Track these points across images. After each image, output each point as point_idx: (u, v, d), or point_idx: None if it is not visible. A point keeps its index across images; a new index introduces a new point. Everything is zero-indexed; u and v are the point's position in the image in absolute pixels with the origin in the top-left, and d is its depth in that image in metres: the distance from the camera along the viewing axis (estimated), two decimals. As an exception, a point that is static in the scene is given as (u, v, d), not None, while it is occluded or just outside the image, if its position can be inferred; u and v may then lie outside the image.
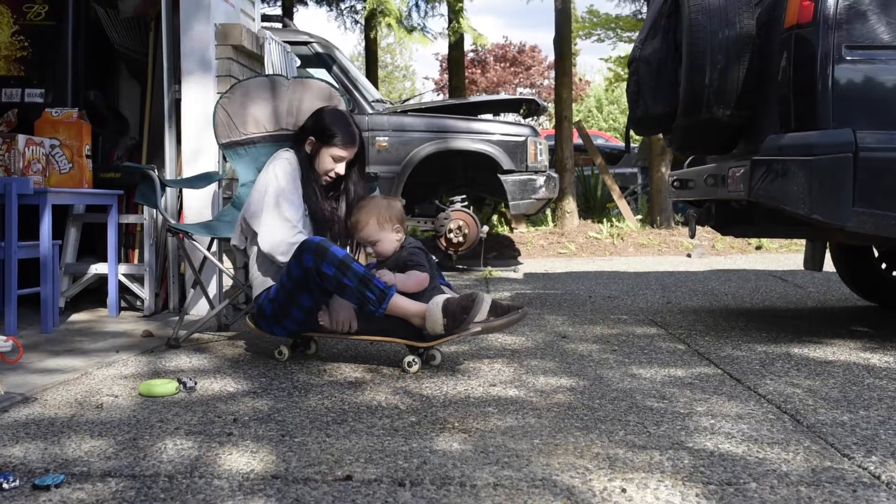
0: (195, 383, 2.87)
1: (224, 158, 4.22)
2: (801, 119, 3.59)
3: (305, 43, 7.34)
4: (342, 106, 4.14)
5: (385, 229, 3.36)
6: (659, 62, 4.21)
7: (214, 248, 3.97)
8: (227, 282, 4.28)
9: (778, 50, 3.71)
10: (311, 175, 3.42)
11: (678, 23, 4.06)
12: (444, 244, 7.56)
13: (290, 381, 3.02)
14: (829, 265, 5.17)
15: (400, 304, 3.12)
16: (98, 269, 4.65)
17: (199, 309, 4.38)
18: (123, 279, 4.64)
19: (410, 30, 11.70)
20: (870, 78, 3.57)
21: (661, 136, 5.09)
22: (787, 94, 3.65)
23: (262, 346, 3.71)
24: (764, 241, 9.70)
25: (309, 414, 2.55)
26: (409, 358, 3.21)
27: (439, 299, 3.12)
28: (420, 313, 3.11)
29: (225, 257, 4.35)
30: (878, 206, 3.47)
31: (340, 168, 3.43)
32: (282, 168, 3.36)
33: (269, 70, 4.82)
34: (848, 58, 3.50)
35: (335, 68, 7.39)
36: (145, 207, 4.57)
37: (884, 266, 5.09)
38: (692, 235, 4.92)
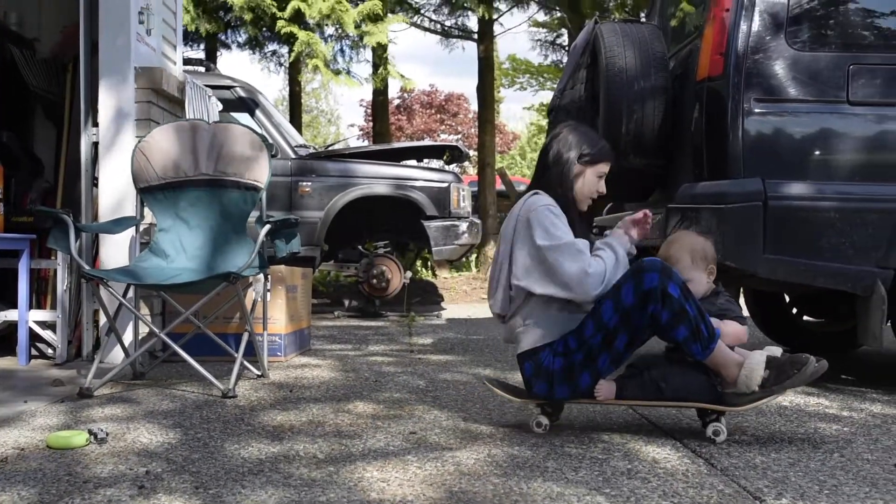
0: (106, 434, 2.79)
1: (142, 203, 4.15)
2: (714, 168, 3.71)
3: (228, 87, 7.30)
4: (266, 151, 4.12)
5: (698, 268, 3.02)
6: (577, 111, 4.30)
7: (131, 294, 3.88)
8: (144, 329, 4.19)
9: (691, 101, 3.84)
10: (572, 211, 3.01)
11: (596, 74, 4.17)
12: (368, 290, 7.54)
13: (206, 430, 2.95)
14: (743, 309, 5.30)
15: (721, 349, 2.80)
16: (7, 315, 4.50)
17: (114, 357, 4.27)
18: (34, 326, 4.51)
19: (337, 72, 11.76)
20: (778, 129, 3.72)
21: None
22: (699, 143, 3.77)
23: (177, 394, 3.63)
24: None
25: (224, 464, 2.50)
26: (716, 427, 2.82)
27: (765, 352, 2.83)
28: (738, 363, 2.79)
29: (142, 303, 4.26)
30: (787, 252, 3.59)
31: (602, 185, 3.05)
32: (547, 213, 2.89)
33: (189, 114, 4.78)
34: (756, 110, 3.64)
35: (258, 112, 7.36)
36: (59, 252, 4.46)
37: (794, 311, 5.24)
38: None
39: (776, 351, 2.88)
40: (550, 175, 3.02)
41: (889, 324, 3.72)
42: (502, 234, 3.02)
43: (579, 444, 2.76)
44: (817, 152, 3.68)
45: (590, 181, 3.01)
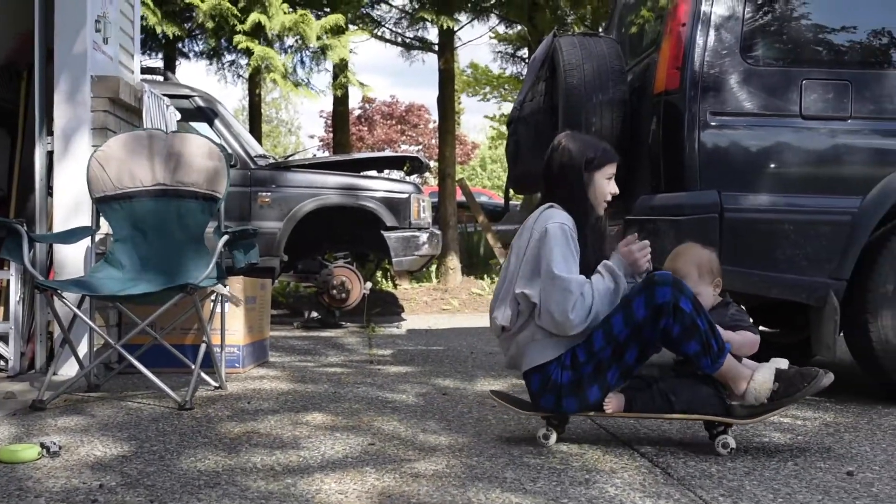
0: (59, 447, 2.74)
1: (98, 213, 4.10)
2: (671, 180, 3.75)
3: (187, 97, 7.24)
4: (225, 161, 4.09)
5: (705, 282, 3.02)
6: (537, 123, 4.33)
7: (86, 305, 3.83)
8: (99, 340, 4.13)
9: (648, 114, 3.88)
10: (590, 218, 3.02)
11: (555, 87, 4.20)
12: (328, 301, 7.50)
13: (162, 443, 2.92)
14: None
15: (730, 362, 2.81)
16: (-41, 327, 4.41)
17: (69, 369, 4.20)
18: (-14, 338, 4.42)
19: (297, 84, 11.70)
20: (733, 142, 3.77)
21: (539, 194, 5.21)
22: (656, 156, 3.81)
23: (133, 407, 3.58)
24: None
25: (180, 478, 2.47)
26: (724, 439, 2.81)
27: (773, 364, 2.86)
28: (746, 376, 2.81)
29: (97, 314, 4.20)
30: (743, 263, 3.64)
31: (614, 185, 3.04)
32: (560, 234, 2.86)
33: (147, 123, 4.73)
34: (712, 123, 3.69)
35: (217, 122, 7.30)
36: (12, 263, 4.38)
37: (750, 321, 5.30)
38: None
39: (783, 363, 2.90)
40: (560, 189, 3.01)
41: (842, 334, 3.78)
42: (513, 247, 3.01)
43: (538, 455, 2.77)
44: (772, 165, 3.74)
45: (600, 186, 3.01)
